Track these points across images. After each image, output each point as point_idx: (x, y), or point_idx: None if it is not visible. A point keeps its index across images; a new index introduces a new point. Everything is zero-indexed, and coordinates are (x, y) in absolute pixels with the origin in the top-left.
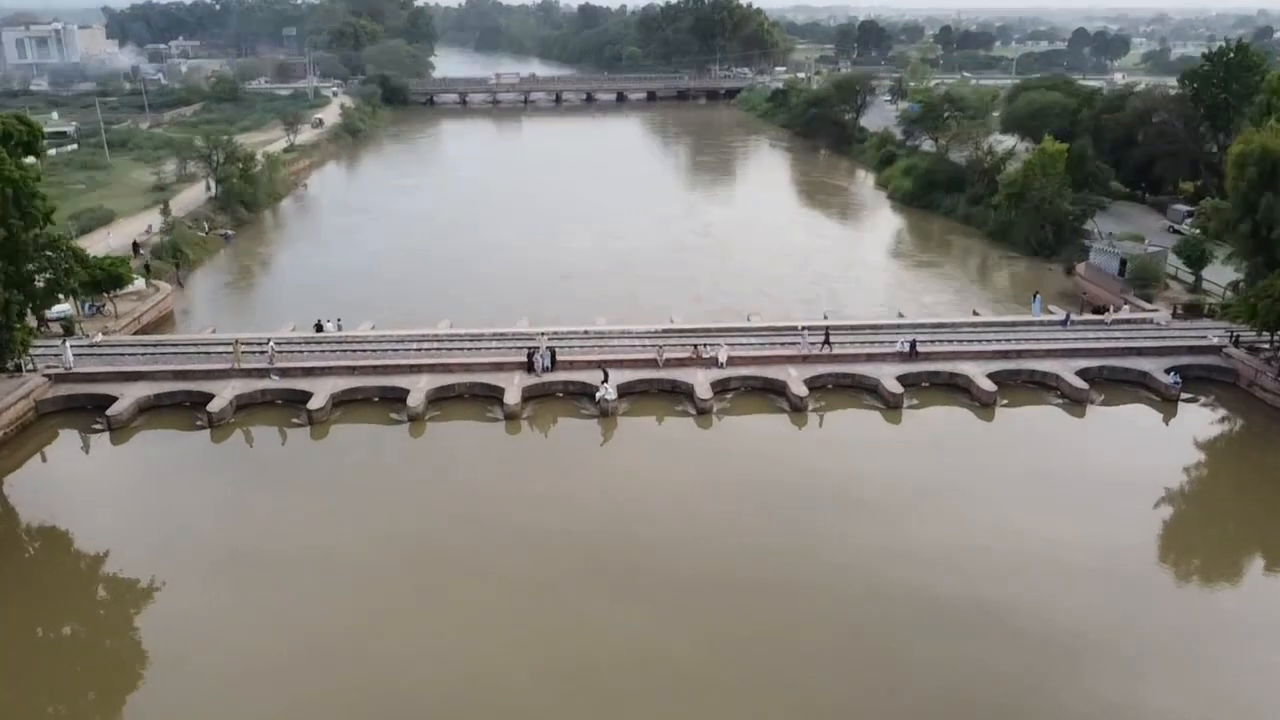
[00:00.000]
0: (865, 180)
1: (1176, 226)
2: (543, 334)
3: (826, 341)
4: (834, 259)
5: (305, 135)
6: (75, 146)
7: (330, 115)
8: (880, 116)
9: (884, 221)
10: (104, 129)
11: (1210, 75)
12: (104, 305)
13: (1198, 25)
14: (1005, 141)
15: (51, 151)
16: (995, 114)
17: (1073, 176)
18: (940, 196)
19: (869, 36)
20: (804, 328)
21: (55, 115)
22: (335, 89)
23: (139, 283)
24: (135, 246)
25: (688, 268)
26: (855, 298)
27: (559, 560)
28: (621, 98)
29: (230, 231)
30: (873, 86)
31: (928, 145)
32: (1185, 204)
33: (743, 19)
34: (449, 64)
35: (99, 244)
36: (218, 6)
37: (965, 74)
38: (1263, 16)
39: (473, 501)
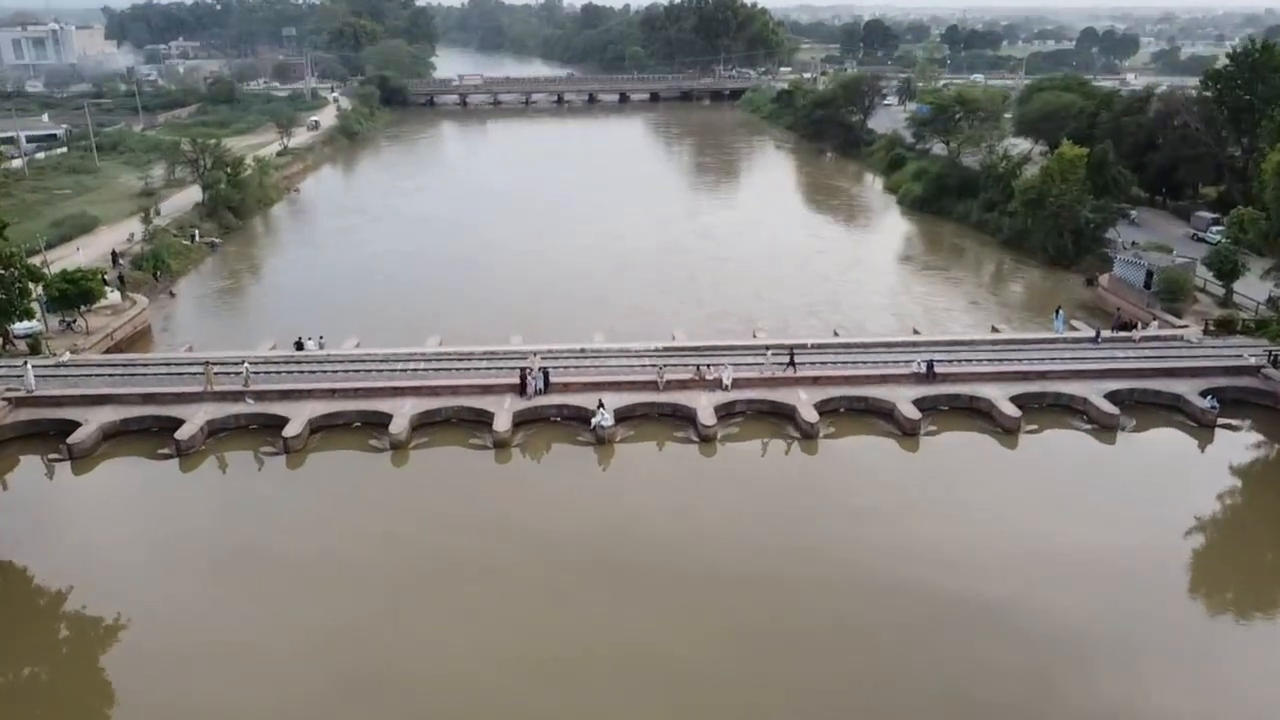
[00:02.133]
0: (873, 184)
1: (1201, 234)
2: (535, 353)
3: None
4: (841, 266)
5: (300, 138)
6: (65, 150)
7: (328, 117)
8: (888, 118)
9: (893, 227)
10: (93, 131)
11: (1234, 76)
12: (75, 321)
13: (1205, 24)
14: (1019, 145)
15: (40, 155)
16: (1007, 116)
17: (1092, 182)
18: (952, 202)
19: (874, 36)
20: (768, 347)
21: (46, 117)
22: (334, 90)
23: (113, 296)
24: (114, 256)
25: (688, 270)
26: (865, 308)
27: (545, 605)
28: (624, 98)
29: (217, 240)
30: (880, 88)
31: (938, 148)
32: (1209, 210)
33: (747, 18)
34: (450, 64)
35: (68, 258)
36: (218, 6)
37: (978, 76)
38: (1270, 15)
39: (456, 542)
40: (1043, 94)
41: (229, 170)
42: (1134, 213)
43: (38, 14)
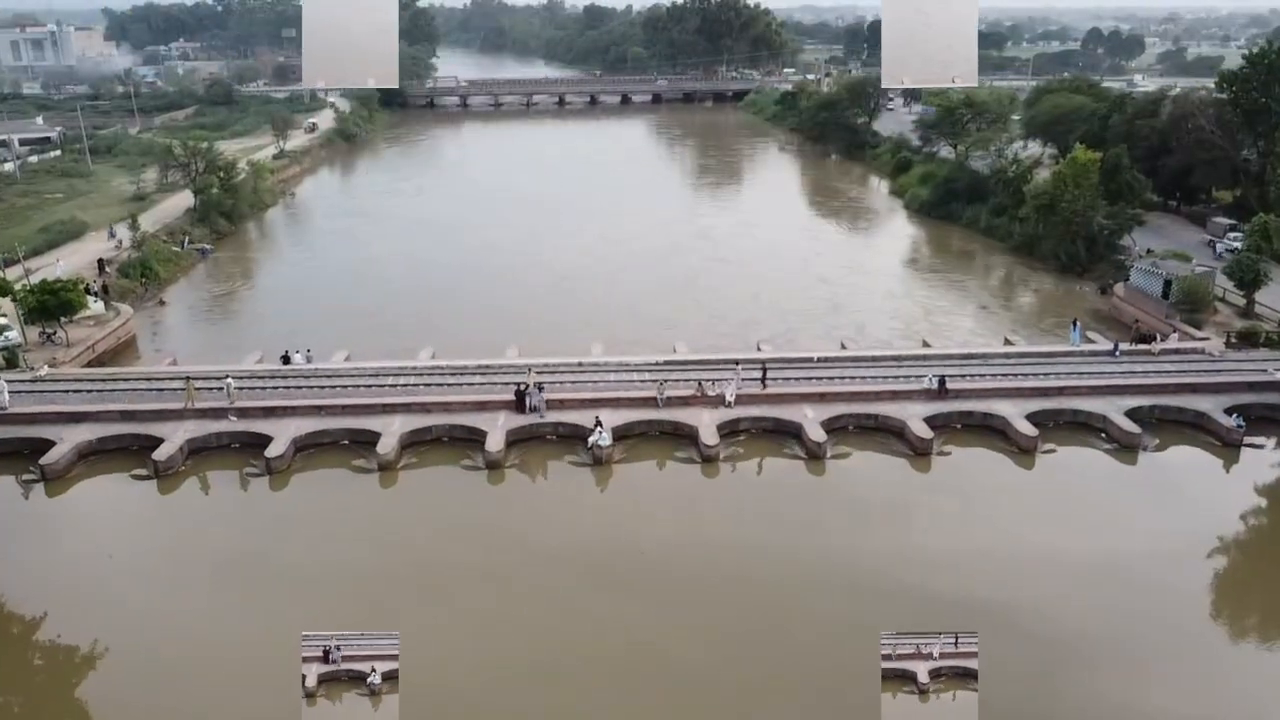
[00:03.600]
0: (879, 188)
1: (1217, 241)
2: (530, 368)
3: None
4: (845, 270)
5: (298, 140)
6: (58, 153)
7: (327, 119)
8: (894, 121)
9: (899, 232)
10: (86, 134)
11: (1250, 78)
12: (55, 333)
13: (1210, 25)
14: (1029, 148)
15: (33, 158)
16: (1015, 118)
17: (1106, 187)
18: (960, 207)
19: (878, 37)
20: (737, 362)
21: (40, 120)
22: (327, 93)
23: (96, 306)
24: (100, 264)
25: (688, 274)
26: (869, 312)
27: (533, 637)
28: (626, 100)
29: (208, 245)
30: (885, 90)
31: (945, 151)
32: (1225, 215)
33: (750, 19)
34: (452, 66)
35: (47, 269)
36: (219, 8)
37: (991, 81)
38: (1275, 16)
39: (444, 569)
40: (1051, 96)
41: (221, 174)
42: (1145, 218)
43: (39, 15)
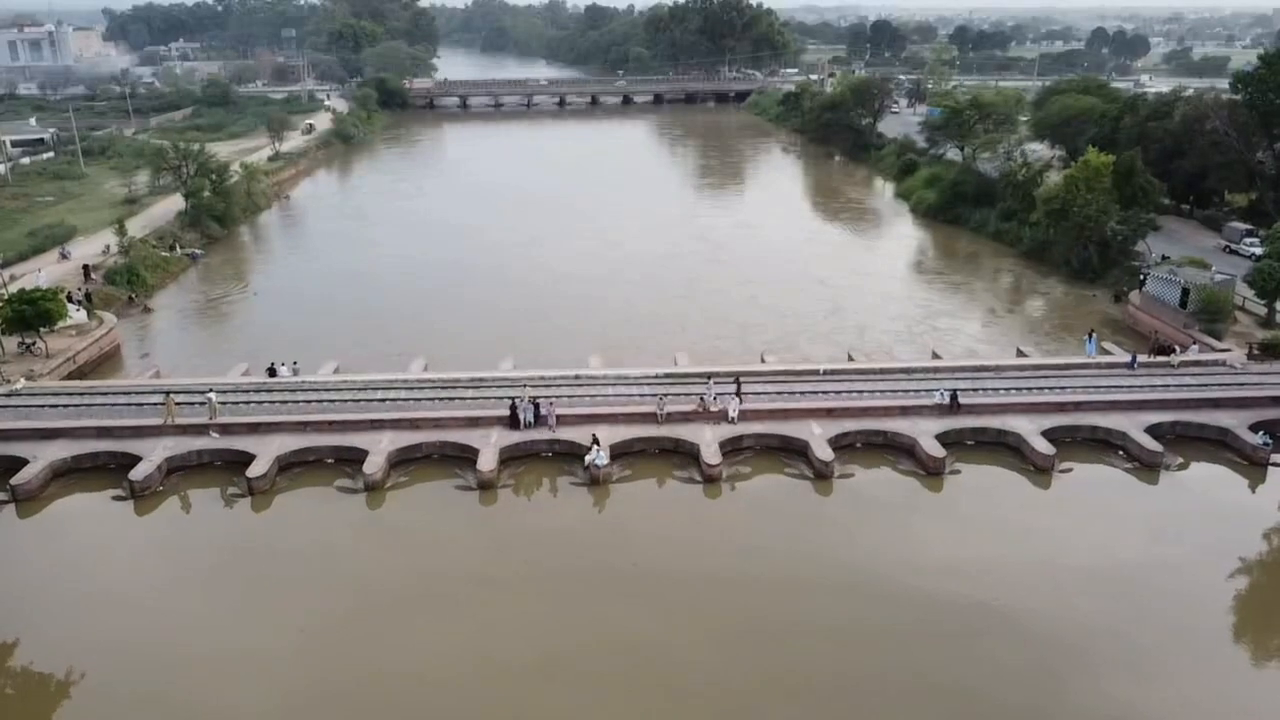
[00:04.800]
0: (884, 190)
1: (1234, 246)
2: (526, 383)
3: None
4: (849, 274)
5: (294, 142)
6: (51, 155)
7: (326, 120)
8: (899, 123)
9: (906, 236)
10: (78, 136)
11: (1266, 79)
12: (34, 343)
13: (1214, 24)
14: (1038, 151)
15: (25, 160)
16: (1023, 119)
17: (1119, 191)
18: (968, 210)
19: (881, 37)
20: (710, 377)
21: (33, 121)
22: (331, 92)
23: (78, 315)
24: (86, 270)
25: (688, 278)
26: (876, 319)
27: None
28: (627, 100)
29: (199, 250)
30: (891, 90)
31: (951, 153)
32: (1240, 220)
33: (752, 19)
34: (453, 66)
35: (29, 277)
36: (219, 8)
37: (995, 81)
38: (1279, 16)
39: (429, 601)
40: (1060, 97)
41: (213, 177)
42: (1160, 223)
43: (39, 15)
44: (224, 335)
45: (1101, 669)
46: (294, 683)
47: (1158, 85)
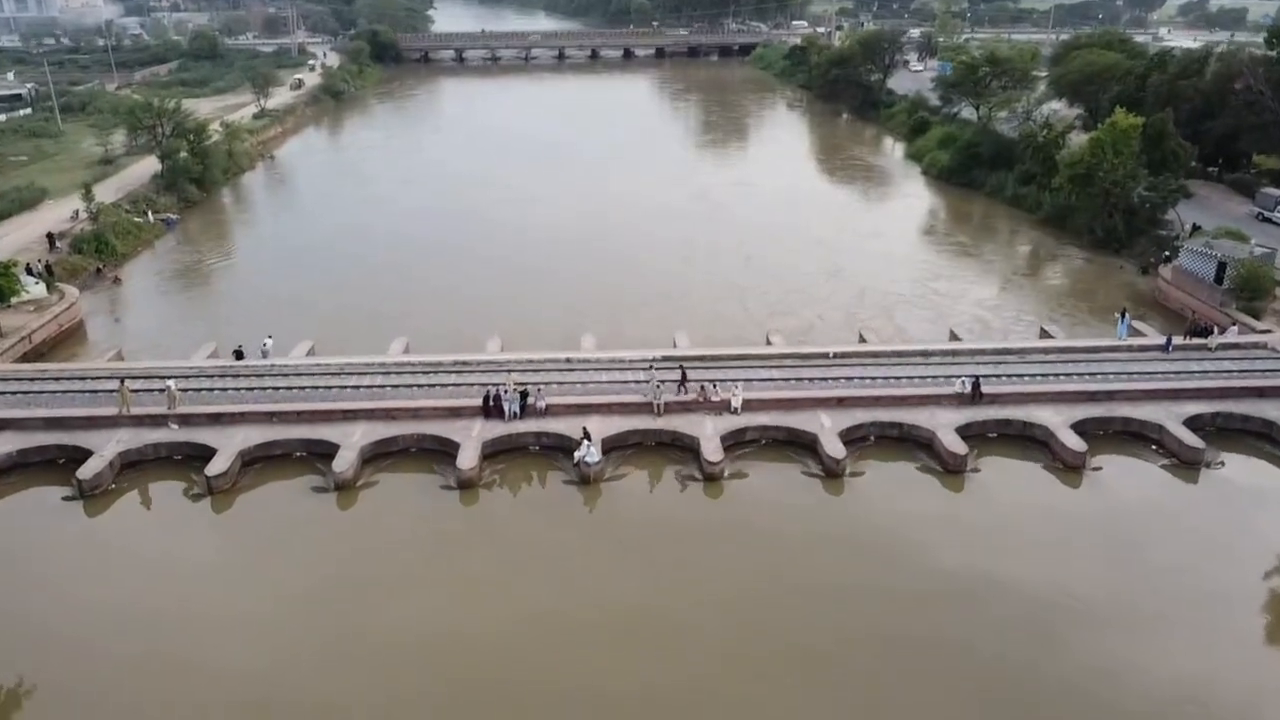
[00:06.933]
0: (894, 151)
1: (1267, 214)
2: (510, 370)
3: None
4: (856, 239)
5: (282, 98)
6: (29, 111)
7: (316, 76)
8: (910, 79)
9: (917, 198)
10: (58, 91)
11: None
12: None
13: None
14: (1058, 110)
15: (0, 117)
16: (1041, 74)
17: (1148, 155)
18: (984, 173)
19: None
20: (650, 362)
21: (11, 76)
22: (322, 45)
23: (37, 289)
24: (51, 238)
25: (687, 240)
26: (885, 283)
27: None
28: (628, 54)
29: (174, 216)
30: (901, 44)
31: (965, 112)
32: (1274, 184)
33: None
34: (450, 18)
35: None
36: None
37: (1008, 34)
38: None
39: (399, 629)
40: (1081, 53)
41: (190, 137)
42: (1192, 189)
43: None
44: (194, 311)
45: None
46: None
47: (1178, 39)
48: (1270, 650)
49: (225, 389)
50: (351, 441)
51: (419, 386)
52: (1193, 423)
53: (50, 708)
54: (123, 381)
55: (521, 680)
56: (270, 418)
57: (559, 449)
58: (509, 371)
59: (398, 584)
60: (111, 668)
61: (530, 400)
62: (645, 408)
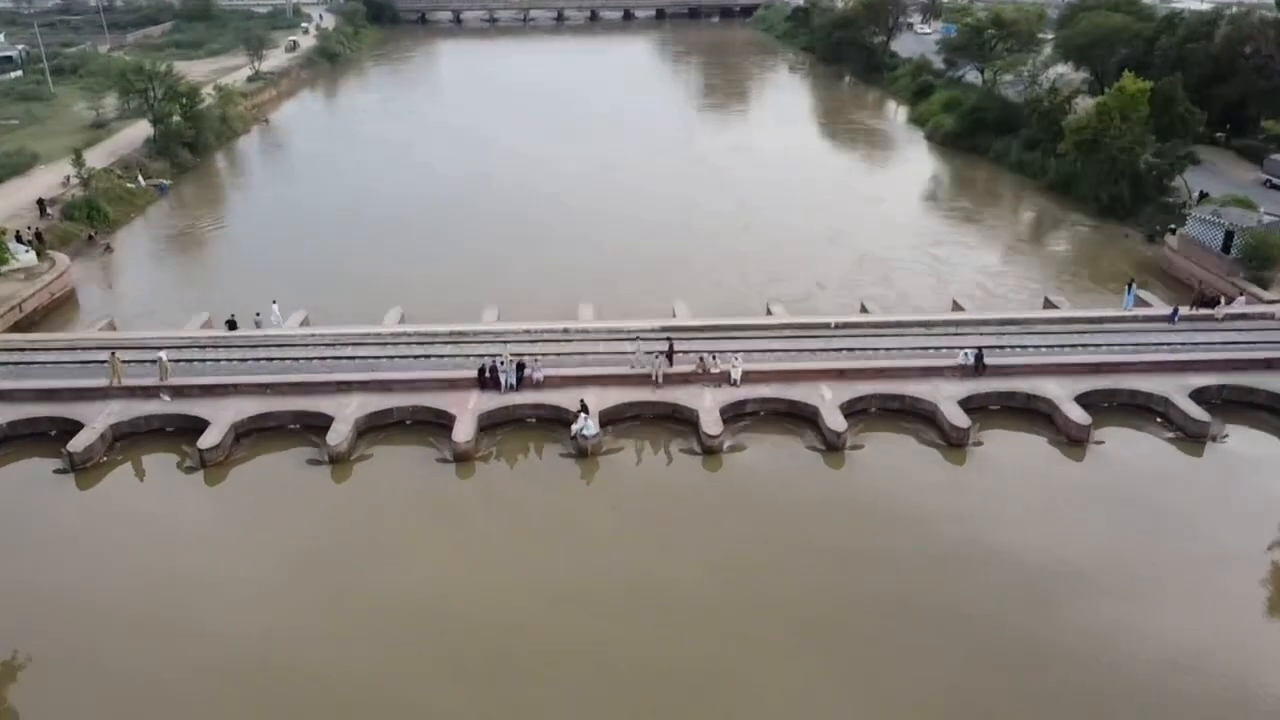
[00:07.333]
0: (897, 115)
1: (1276, 181)
2: (508, 340)
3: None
4: (859, 203)
5: (276, 60)
6: (19, 74)
7: (311, 37)
8: (914, 41)
9: (921, 166)
10: (49, 53)
11: None
12: None
13: None
14: (1065, 74)
15: None
16: (1046, 36)
17: (1156, 121)
18: (988, 138)
19: None
20: (635, 334)
21: (1, 37)
22: (317, 6)
23: (26, 257)
24: (41, 205)
25: (686, 204)
26: (888, 259)
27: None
28: (629, 15)
29: (166, 181)
30: (906, 6)
31: (970, 76)
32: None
33: None
34: None
35: None
36: None
37: None
38: None
39: (397, 613)
40: (1088, 14)
41: (183, 101)
42: (1200, 157)
43: None
44: (187, 278)
45: None
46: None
47: (1187, 1)
48: (1268, 619)
49: (218, 360)
50: (346, 414)
51: (414, 358)
52: (1199, 395)
53: (49, 672)
54: (114, 352)
55: (519, 647)
56: (264, 389)
57: (556, 421)
58: (505, 343)
59: (393, 556)
60: (107, 633)
61: (527, 372)
62: (644, 380)
